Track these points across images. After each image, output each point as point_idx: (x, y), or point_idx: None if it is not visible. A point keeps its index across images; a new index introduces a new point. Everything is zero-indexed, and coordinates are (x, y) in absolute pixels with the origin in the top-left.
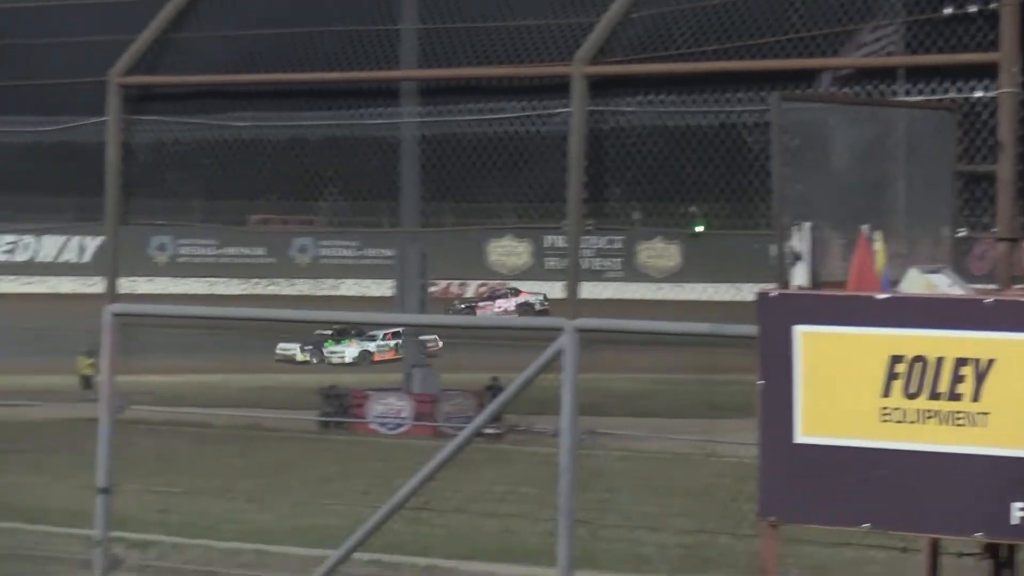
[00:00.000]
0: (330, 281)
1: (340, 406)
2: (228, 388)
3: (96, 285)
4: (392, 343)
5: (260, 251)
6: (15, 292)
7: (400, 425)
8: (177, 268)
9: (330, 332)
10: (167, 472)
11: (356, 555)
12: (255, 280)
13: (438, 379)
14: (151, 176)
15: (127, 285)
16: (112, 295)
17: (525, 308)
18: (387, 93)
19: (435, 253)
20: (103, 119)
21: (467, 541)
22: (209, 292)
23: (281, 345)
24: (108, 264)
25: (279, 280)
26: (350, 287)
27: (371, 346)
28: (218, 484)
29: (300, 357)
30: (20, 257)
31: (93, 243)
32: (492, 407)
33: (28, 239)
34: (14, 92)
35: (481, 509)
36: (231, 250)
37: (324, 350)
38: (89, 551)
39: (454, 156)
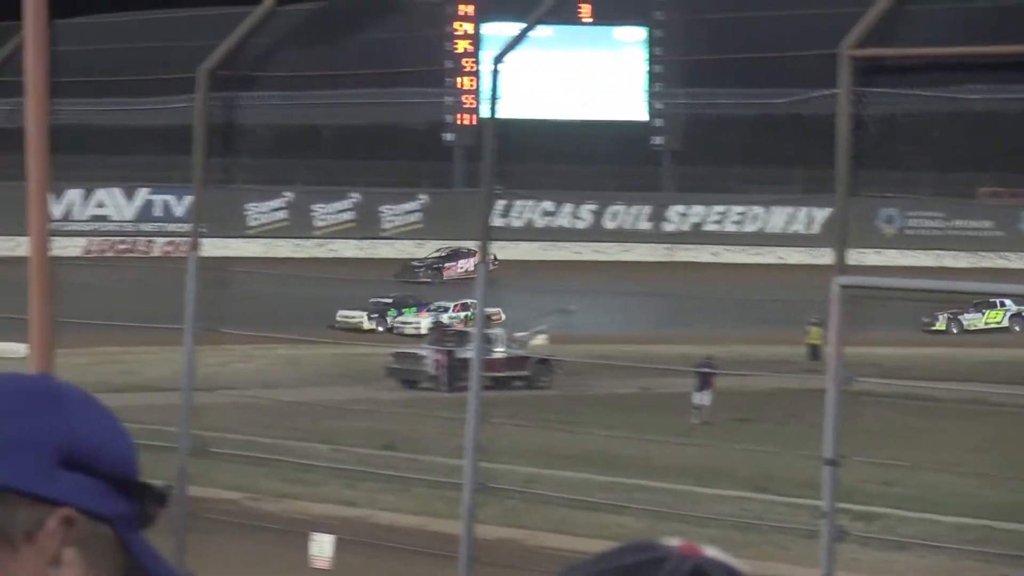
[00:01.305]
0: None
1: None
2: (953, 361)
3: (824, 256)
4: (462, 314)
5: (988, 224)
6: (743, 262)
7: None
8: (904, 240)
9: (390, 300)
10: (892, 445)
11: None
12: (982, 253)
13: None
14: (880, 148)
15: (855, 256)
16: (840, 266)
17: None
18: None
19: None
20: (833, 91)
21: None
22: (936, 264)
23: (342, 312)
24: (836, 235)
25: (1007, 254)
26: None
27: (444, 317)
28: (944, 458)
29: (367, 325)
30: (749, 228)
31: (821, 214)
32: None
33: (757, 210)
34: (740, 64)
35: None
36: (959, 222)
37: (388, 319)
38: (815, 522)
39: None
